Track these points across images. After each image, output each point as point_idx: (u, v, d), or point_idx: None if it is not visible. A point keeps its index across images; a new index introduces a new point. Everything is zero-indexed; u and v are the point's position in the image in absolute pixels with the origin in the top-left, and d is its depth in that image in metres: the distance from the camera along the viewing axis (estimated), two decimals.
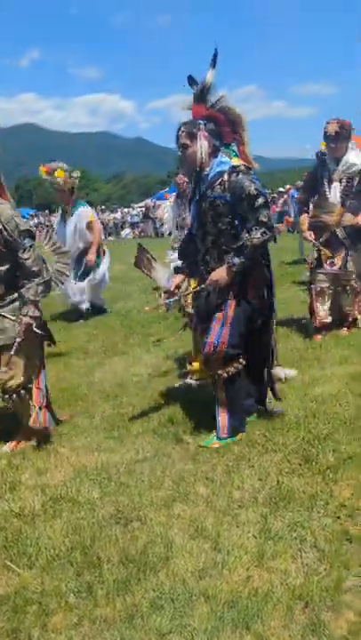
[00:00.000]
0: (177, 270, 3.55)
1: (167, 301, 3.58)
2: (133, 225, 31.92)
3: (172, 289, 3.48)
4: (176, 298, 3.51)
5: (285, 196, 22.07)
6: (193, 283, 3.73)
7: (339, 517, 2.39)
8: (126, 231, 31.66)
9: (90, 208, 7.18)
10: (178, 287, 3.49)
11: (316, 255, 5.12)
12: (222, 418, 3.18)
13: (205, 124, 3.08)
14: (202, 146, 3.06)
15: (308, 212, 5.13)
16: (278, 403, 3.46)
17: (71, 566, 2.20)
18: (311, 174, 5.22)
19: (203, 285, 3.19)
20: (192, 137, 3.08)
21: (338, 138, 4.75)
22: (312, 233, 5.03)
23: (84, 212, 6.81)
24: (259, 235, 2.95)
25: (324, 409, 3.47)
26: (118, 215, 34.82)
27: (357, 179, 4.83)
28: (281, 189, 25.13)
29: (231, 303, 3.10)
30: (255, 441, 3.12)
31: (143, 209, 32.15)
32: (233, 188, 3.00)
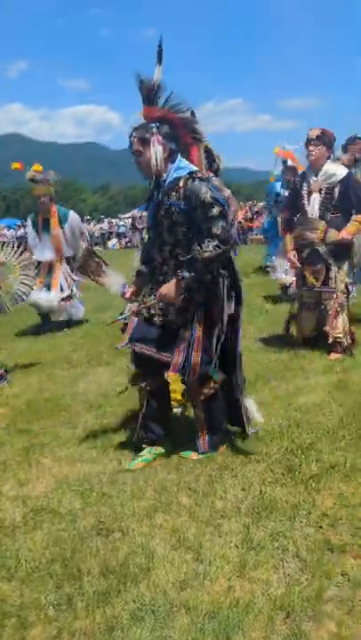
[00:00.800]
0: (138, 274, 3.29)
1: (120, 317, 3.27)
2: (120, 235, 31.90)
3: (127, 296, 3.29)
4: (127, 314, 3.22)
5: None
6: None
7: (321, 527, 2.39)
8: (113, 241, 31.64)
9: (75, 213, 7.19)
10: (135, 294, 3.27)
11: (300, 274, 4.99)
12: (202, 435, 3.11)
13: (159, 127, 2.85)
14: (156, 152, 2.83)
15: (291, 232, 4.98)
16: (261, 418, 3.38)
17: (51, 578, 2.17)
18: (292, 191, 5.11)
19: (154, 300, 2.98)
20: (145, 142, 2.86)
21: (318, 141, 4.64)
22: (295, 253, 4.87)
23: (77, 217, 6.84)
24: (210, 248, 2.73)
25: (308, 418, 3.48)
26: (105, 225, 34.80)
27: (338, 190, 4.68)
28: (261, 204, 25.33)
29: (197, 321, 2.94)
30: (238, 451, 3.11)
31: (130, 219, 32.19)
32: (189, 195, 2.80)
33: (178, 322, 2.97)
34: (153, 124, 2.85)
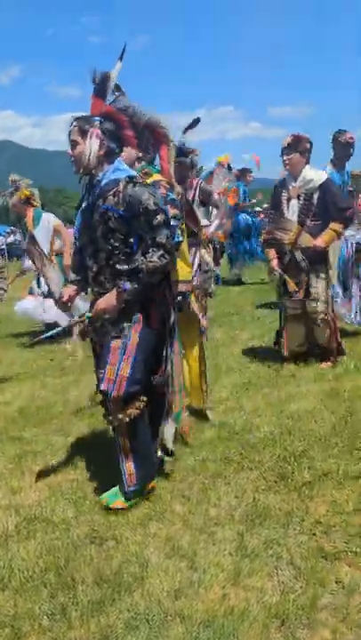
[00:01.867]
0: (72, 283, 3.02)
1: (43, 337, 3.07)
2: None
3: (64, 299, 2.97)
4: (59, 329, 3.09)
5: (262, 215, 22.38)
6: None
7: (314, 534, 2.40)
8: None
9: (52, 215, 7.16)
10: (70, 301, 2.99)
11: (282, 281, 4.82)
12: (128, 466, 2.73)
13: (101, 122, 2.68)
14: (91, 145, 2.64)
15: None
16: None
17: (45, 588, 2.16)
18: (273, 197, 4.97)
19: (89, 314, 2.76)
20: (83, 134, 2.67)
21: (289, 149, 4.57)
22: (277, 262, 4.75)
23: (48, 217, 6.81)
24: (155, 258, 2.56)
25: (300, 426, 3.49)
26: None
27: (316, 197, 4.57)
28: (258, 208, 25.47)
29: (133, 330, 2.68)
30: (231, 458, 3.12)
31: None
32: (128, 200, 2.58)
33: (113, 333, 2.71)
34: (97, 118, 2.70)
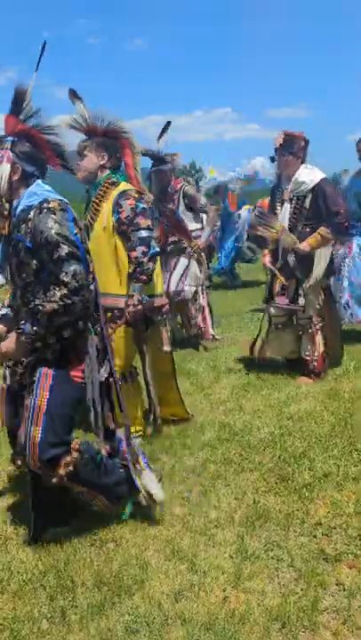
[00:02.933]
0: (1, 319, 2.64)
1: None
2: None
3: None
4: None
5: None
6: None
7: (315, 536, 2.39)
8: None
9: None
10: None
11: (270, 284, 4.57)
12: (100, 502, 2.49)
13: (15, 143, 2.38)
14: (3, 171, 2.34)
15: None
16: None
17: (44, 590, 2.14)
18: (270, 199, 4.73)
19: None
20: None
21: (281, 150, 4.26)
22: (269, 257, 4.50)
23: None
24: (56, 298, 2.18)
25: (300, 427, 3.48)
26: None
27: (309, 200, 4.26)
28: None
29: (40, 387, 2.28)
30: (231, 460, 3.11)
31: None
32: (34, 229, 2.25)
33: (26, 382, 2.37)
34: (10, 138, 2.39)
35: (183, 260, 5.52)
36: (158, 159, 5.33)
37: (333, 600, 2.02)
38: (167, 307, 3.54)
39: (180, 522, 2.55)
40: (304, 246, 4.23)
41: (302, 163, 4.33)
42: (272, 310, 4.51)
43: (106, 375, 2.43)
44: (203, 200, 5.91)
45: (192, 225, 5.69)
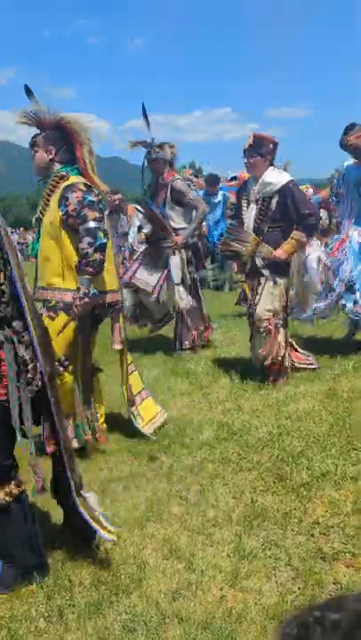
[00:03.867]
0: None
1: None
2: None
3: None
4: None
5: None
6: None
7: (312, 535, 2.39)
8: None
9: None
10: None
11: (243, 289, 4.58)
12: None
13: None
14: None
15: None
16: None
17: (41, 590, 2.14)
18: (236, 200, 4.72)
19: None
20: None
21: (250, 151, 4.23)
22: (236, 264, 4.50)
23: None
24: None
25: (298, 426, 3.48)
26: None
27: (275, 201, 4.21)
28: None
29: None
30: (229, 459, 3.11)
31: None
32: None
33: None
34: None
35: (169, 263, 5.30)
36: (150, 148, 5.16)
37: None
38: (119, 304, 3.39)
39: (177, 521, 2.55)
40: (280, 254, 4.20)
41: (271, 165, 4.31)
42: (249, 310, 4.49)
43: (36, 389, 2.06)
44: (192, 195, 5.52)
45: (179, 221, 5.37)
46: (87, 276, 3.07)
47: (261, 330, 4.29)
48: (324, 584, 2.09)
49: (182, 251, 5.32)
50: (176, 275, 5.28)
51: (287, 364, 4.41)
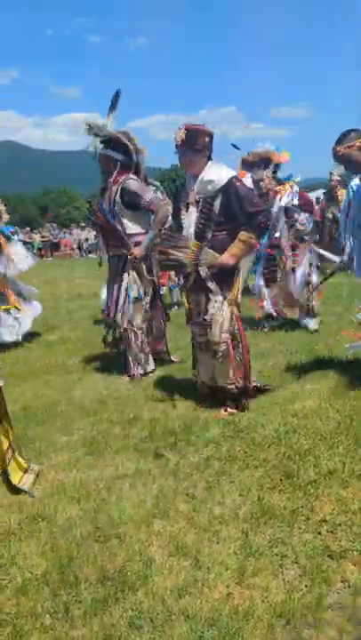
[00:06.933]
0: None
1: None
2: None
3: None
4: None
5: None
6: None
7: (320, 533, 2.37)
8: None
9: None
10: None
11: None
12: None
13: None
14: None
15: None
16: None
17: (47, 586, 2.14)
18: (173, 204, 4.07)
19: None
20: None
21: (184, 147, 3.66)
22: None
23: None
24: None
25: (305, 424, 3.46)
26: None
27: (218, 202, 3.62)
28: None
29: None
30: (236, 456, 3.10)
31: None
32: None
33: None
34: None
35: (125, 275, 4.67)
36: (106, 140, 4.58)
37: (338, 597, 2.01)
38: None
39: (184, 518, 2.54)
40: (227, 259, 3.64)
41: (209, 159, 3.74)
42: (194, 328, 3.93)
43: None
44: (150, 195, 4.65)
45: (134, 227, 4.66)
46: None
47: (219, 355, 3.73)
48: (331, 582, 2.07)
49: (141, 263, 4.71)
50: (133, 290, 4.72)
51: (253, 377, 3.94)
